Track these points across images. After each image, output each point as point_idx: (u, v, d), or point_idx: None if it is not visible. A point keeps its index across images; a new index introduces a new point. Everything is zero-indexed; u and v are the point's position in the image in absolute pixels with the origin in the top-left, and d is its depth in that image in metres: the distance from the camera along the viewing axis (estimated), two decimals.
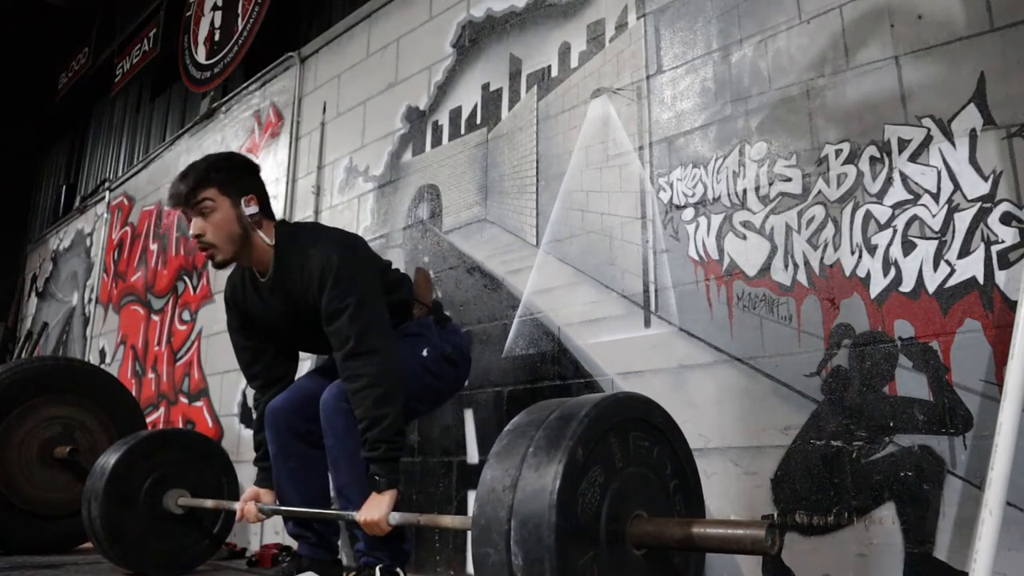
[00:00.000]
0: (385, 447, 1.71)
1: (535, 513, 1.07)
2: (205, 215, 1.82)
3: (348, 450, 1.79)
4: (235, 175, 1.87)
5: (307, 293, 1.81)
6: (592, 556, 1.12)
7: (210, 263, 1.87)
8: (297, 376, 2.13)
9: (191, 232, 1.85)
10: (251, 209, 1.84)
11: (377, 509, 1.68)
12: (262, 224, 1.87)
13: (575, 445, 1.11)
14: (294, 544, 2.08)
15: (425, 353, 1.92)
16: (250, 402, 2.35)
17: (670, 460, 1.34)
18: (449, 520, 1.64)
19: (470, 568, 2.35)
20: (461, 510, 2.42)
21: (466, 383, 2.23)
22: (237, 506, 2.07)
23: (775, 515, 1.75)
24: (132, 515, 2.32)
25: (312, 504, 1.98)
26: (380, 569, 1.80)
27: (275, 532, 3.17)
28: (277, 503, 2.00)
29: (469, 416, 2.50)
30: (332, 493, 1.88)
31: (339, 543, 2.07)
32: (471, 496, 2.41)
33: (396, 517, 1.68)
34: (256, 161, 2.01)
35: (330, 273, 1.76)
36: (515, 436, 1.19)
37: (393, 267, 2.08)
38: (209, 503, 2.33)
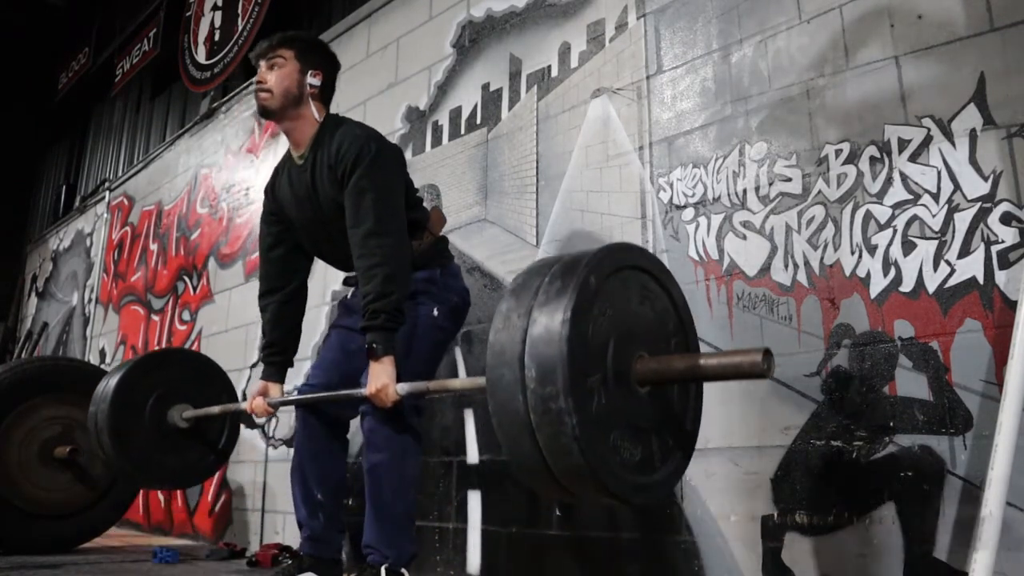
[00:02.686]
0: (385, 317, 1.77)
1: (549, 328, 1.11)
2: (274, 68, 1.99)
3: (396, 478, 1.85)
4: (313, 50, 2.06)
5: (338, 168, 1.89)
6: (599, 379, 1.17)
7: (258, 105, 2.01)
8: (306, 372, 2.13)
9: (256, 78, 2.00)
10: (313, 81, 2.01)
11: (384, 376, 1.75)
12: (316, 101, 2.02)
13: (588, 273, 1.16)
14: (294, 544, 2.08)
15: (435, 312, 1.95)
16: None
17: (671, 313, 1.39)
18: (459, 383, 1.73)
19: (470, 568, 2.35)
20: (461, 510, 2.42)
21: None
22: (244, 406, 2.13)
23: (775, 514, 1.75)
24: (138, 430, 2.33)
25: (330, 490, 2.00)
26: (385, 569, 1.80)
27: (275, 532, 3.17)
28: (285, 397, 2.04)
29: (469, 416, 2.50)
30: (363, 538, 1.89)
31: (343, 544, 2.08)
32: (471, 496, 2.41)
33: (404, 387, 1.74)
34: (338, 61, 2.14)
35: (367, 156, 1.86)
36: (530, 275, 1.23)
37: (415, 187, 2.13)
38: (215, 409, 2.35)
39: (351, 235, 1.86)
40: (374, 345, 1.76)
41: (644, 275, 1.33)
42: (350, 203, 1.86)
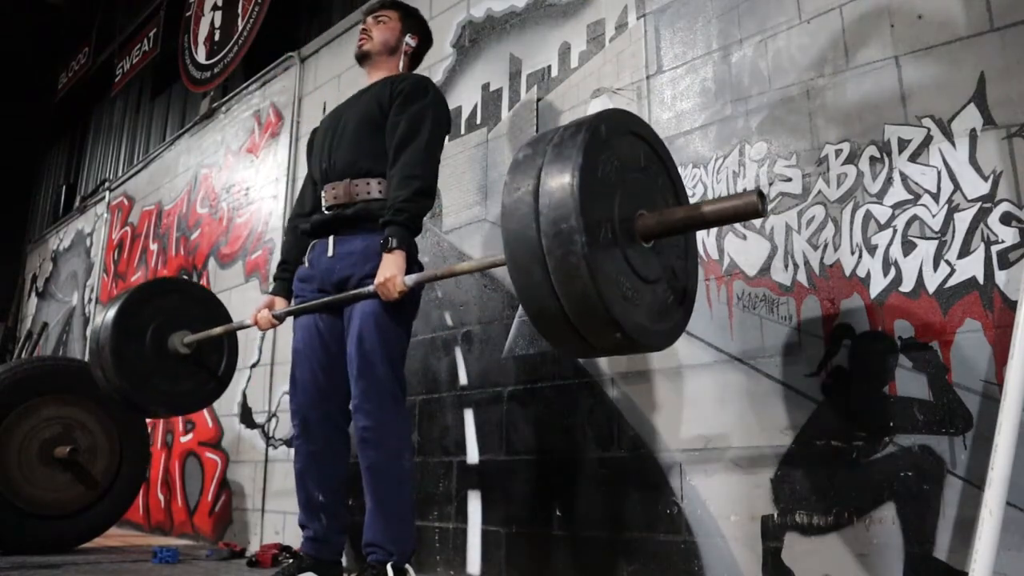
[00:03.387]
0: (407, 216, 1.89)
1: (563, 164, 1.19)
2: (379, 22, 2.21)
3: (394, 474, 1.86)
4: (415, 19, 2.28)
5: (394, 88, 2.05)
6: (607, 218, 1.24)
7: (357, 49, 2.22)
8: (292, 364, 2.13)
9: (362, 27, 2.23)
10: (410, 41, 2.23)
11: (393, 267, 1.84)
12: (407, 58, 2.23)
13: (600, 123, 1.25)
14: (294, 544, 2.08)
15: (410, 327, 2.03)
16: (250, 402, 2.35)
17: (669, 188, 1.46)
18: (468, 264, 1.79)
19: (470, 568, 2.35)
20: (461, 510, 2.42)
21: (465, 379, 2.22)
22: (248, 320, 2.20)
23: (775, 514, 1.75)
24: (139, 354, 2.36)
25: (331, 491, 2.00)
26: (391, 567, 1.80)
27: (275, 532, 3.17)
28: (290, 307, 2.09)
29: (469, 416, 2.50)
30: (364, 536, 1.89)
31: (343, 545, 2.08)
32: (471, 496, 2.41)
33: (412, 279, 1.83)
34: (432, 40, 2.34)
35: (433, 95, 2.04)
36: (545, 131, 1.32)
37: None
38: (217, 329, 2.37)
39: (398, 145, 1.96)
40: (390, 237, 1.85)
41: (646, 145, 1.41)
42: (407, 122, 1.97)
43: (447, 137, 2.13)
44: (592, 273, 1.13)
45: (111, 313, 2.36)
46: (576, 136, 1.21)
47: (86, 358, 5.20)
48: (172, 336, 2.43)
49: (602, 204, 1.22)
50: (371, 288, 1.84)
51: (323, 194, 2.07)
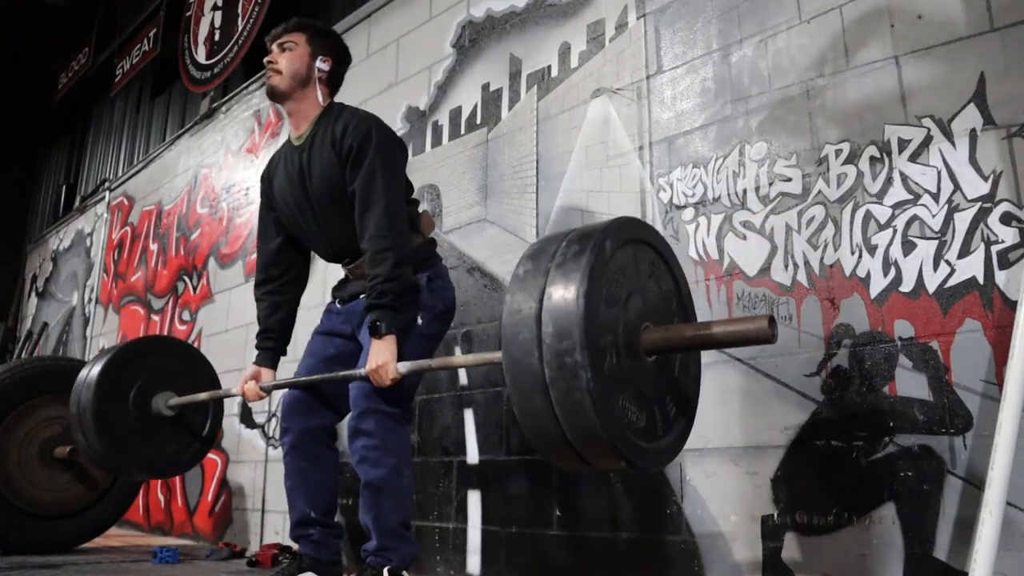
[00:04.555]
0: (392, 297, 1.81)
1: (567, 286, 1.15)
2: (285, 50, 2.04)
3: (393, 492, 1.84)
4: (326, 38, 2.10)
5: (342, 146, 1.91)
6: (612, 341, 1.21)
7: (267, 86, 2.05)
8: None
9: (267, 59, 2.04)
10: (323, 66, 2.05)
11: (385, 353, 1.76)
12: (323, 85, 2.06)
13: (605, 239, 1.22)
14: (294, 544, 2.08)
15: (420, 321, 1.94)
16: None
17: (676, 297, 1.44)
18: (462, 359, 1.77)
19: (470, 568, 2.35)
20: (461, 510, 2.42)
21: (465, 379, 2.22)
22: (235, 390, 2.12)
23: (775, 514, 1.75)
24: (121, 417, 2.30)
25: (321, 507, 1.99)
26: (388, 570, 1.80)
27: (275, 532, 3.17)
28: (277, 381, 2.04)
29: (469, 416, 2.50)
30: (367, 542, 1.88)
31: (341, 545, 2.08)
32: (471, 496, 2.41)
33: (405, 366, 1.74)
34: (350, 55, 2.18)
35: (374, 139, 1.90)
36: (546, 242, 1.28)
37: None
38: (202, 396, 2.32)
39: (361, 217, 1.88)
40: (378, 323, 1.78)
41: (652, 252, 1.38)
42: (361, 186, 1.88)
43: (406, 161, 2.04)
44: (597, 408, 1.11)
45: (93, 374, 2.30)
46: (580, 257, 1.18)
47: (86, 358, 5.22)
48: (156, 397, 2.36)
49: (607, 326, 1.20)
50: (363, 372, 1.78)
51: (344, 271, 2.08)
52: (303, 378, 1.97)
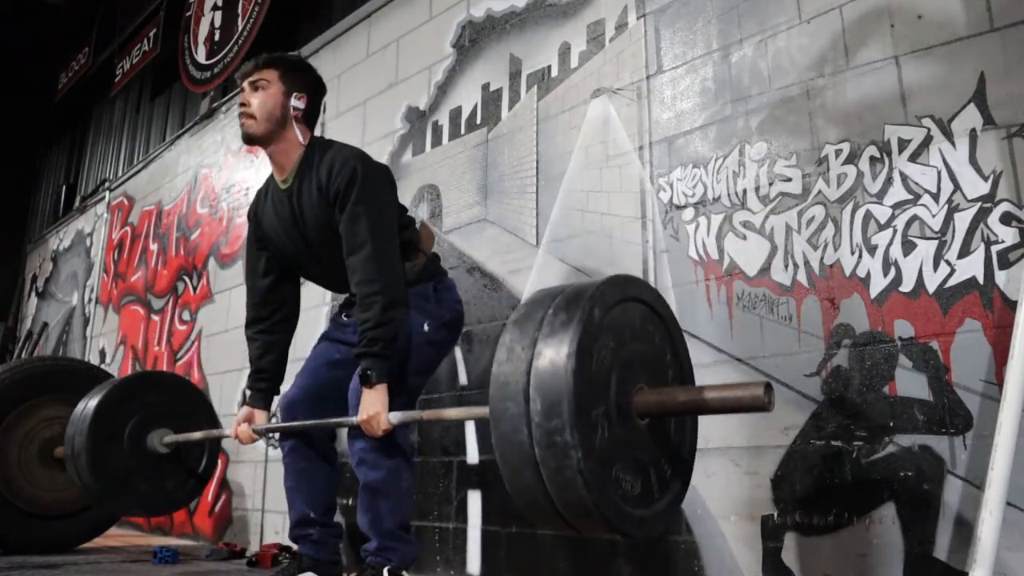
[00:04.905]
0: (382, 345, 1.76)
1: (555, 361, 1.12)
2: (257, 89, 1.95)
3: (392, 494, 1.83)
4: (298, 72, 2.01)
5: (327, 191, 1.86)
6: (603, 412, 1.17)
7: (242, 132, 1.96)
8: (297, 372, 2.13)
9: (239, 100, 1.97)
10: (297, 104, 1.96)
11: (376, 403, 1.73)
12: (301, 123, 1.97)
13: (592, 306, 1.17)
14: (294, 544, 2.08)
15: (426, 327, 1.92)
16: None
17: (670, 348, 1.40)
18: (454, 412, 1.72)
19: (470, 568, 2.35)
20: (461, 510, 2.42)
21: (465, 379, 2.23)
22: (228, 431, 2.09)
23: (775, 514, 1.75)
24: (116, 454, 2.28)
25: (321, 506, 1.99)
26: (388, 570, 1.80)
27: (275, 532, 3.17)
28: (273, 421, 2.03)
29: None
30: (368, 541, 1.87)
31: (340, 545, 2.08)
32: (471, 496, 2.41)
33: (397, 416, 1.72)
34: (324, 85, 2.10)
35: (357, 178, 1.84)
36: (533, 305, 1.24)
37: (404, 207, 2.09)
38: (197, 435, 2.31)
39: (348, 261, 1.83)
40: (368, 372, 1.74)
41: (643, 306, 1.33)
42: (346, 230, 1.84)
43: (395, 201, 1.98)
44: (589, 486, 1.08)
45: (88, 412, 2.29)
46: (568, 327, 1.13)
47: (86, 358, 5.22)
48: (152, 434, 2.35)
49: (597, 396, 1.16)
50: (355, 421, 1.75)
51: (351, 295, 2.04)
52: (296, 423, 1.95)
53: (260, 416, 2.07)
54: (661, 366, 1.36)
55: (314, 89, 2.03)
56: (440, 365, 2.62)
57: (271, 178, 2.04)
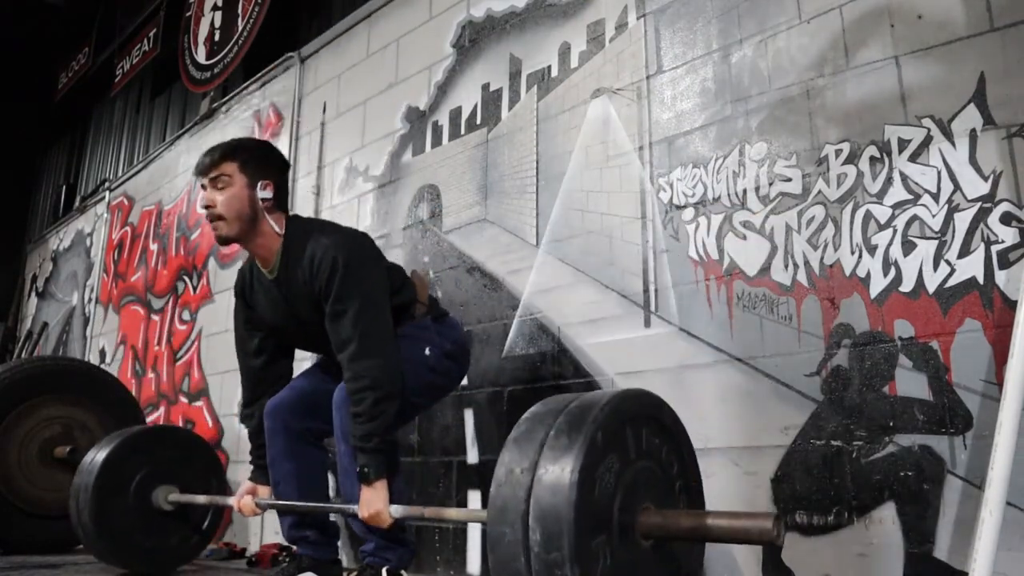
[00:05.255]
0: (377, 440, 1.73)
1: (555, 489, 1.09)
2: (219, 188, 1.86)
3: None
4: (258, 159, 1.91)
5: (312, 285, 1.82)
6: (605, 540, 1.14)
7: (215, 235, 1.89)
8: (295, 375, 2.13)
9: (201, 203, 1.89)
10: (265, 194, 1.87)
11: (377, 501, 1.70)
12: (273, 212, 1.89)
13: (595, 430, 1.14)
14: (293, 545, 2.08)
15: (427, 352, 1.92)
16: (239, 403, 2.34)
17: (677, 459, 1.37)
18: (455, 512, 1.67)
19: (470, 568, 2.35)
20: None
21: (465, 379, 2.23)
22: (232, 501, 2.08)
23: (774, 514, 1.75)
24: (121, 510, 2.28)
25: (314, 511, 1.98)
26: (387, 571, 1.80)
27: (275, 532, 3.17)
28: (273, 499, 1.99)
29: (469, 416, 2.50)
30: (336, 498, 1.86)
31: (339, 544, 2.07)
32: (471, 496, 2.41)
33: (398, 510, 1.70)
34: (287, 161, 2.03)
35: (338, 270, 1.78)
36: (534, 423, 1.21)
37: (397, 267, 2.07)
38: (201, 499, 2.30)
39: (338, 357, 1.80)
40: (366, 469, 1.71)
41: (649, 421, 1.31)
42: (331, 326, 1.80)
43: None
44: None
45: (94, 468, 2.28)
46: (570, 451, 1.11)
47: (86, 358, 5.22)
48: (157, 490, 2.33)
49: (600, 522, 1.14)
50: (355, 511, 1.73)
51: None
52: (297, 503, 1.93)
53: (263, 491, 2.04)
54: (668, 481, 1.33)
55: (278, 170, 1.94)
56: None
57: (254, 266, 1.99)
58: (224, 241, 1.89)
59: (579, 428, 1.14)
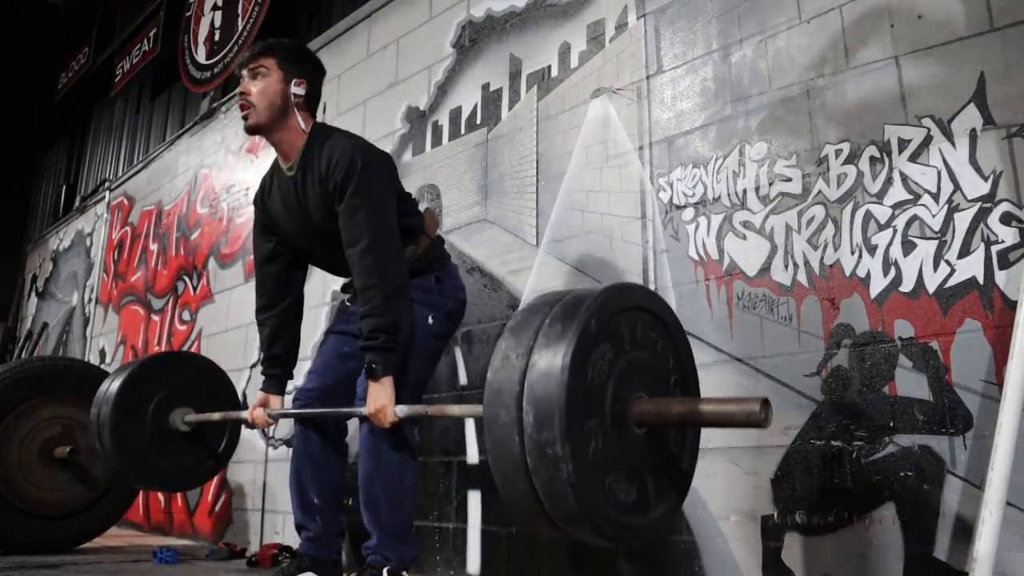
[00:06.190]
0: (384, 337, 1.77)
1: (548, 373, 1.12)
2: (256, 77, 1.95)
3: (393, 489, 1.84)
4: (296, 58, 2.01)
5: (328, 184, 1.87)
6: (597, 423, 1.17)
7: (245, 124, 1.97)
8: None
9: (238, 90, 1.97)
10: (297, 91, 1.96)
11: (383, 396, 1.75)
12: (303, 110, 1.98)
13: (589, 318, 1.16)
14: (294, 544, 2.09)
15: (431, 320, 1.94)
16: (250, 402, 2.35)
17: (672, 355, 1.39)
18: (457, 409, 1.76)
19: (470, 568, 2.35)
20: (461, 510, 2.42)
21: (465, 379, 2.25)
22: (245, 414, 2.14)
23: (775, 514, 1.75)
24: (138, 431, 2.33)
25: (326, 493, 2.00)
26: (388, 571, 1.80)
27: (275, 532, 3.17)
28: (286, 409, 2.06)
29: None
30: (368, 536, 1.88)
31: (343, 544, 2.08)
32: (471, 496, 2.41)
33: (403, 410, 1.74)
34: (323, 67, 2.11)
35: (355, 171, 1.84)
36: (530, 313, 1.23)
37: (409, 194, 2.11)
38: (216, 416, 2.35)
39: (348, 253, 1.85)
40: (373, 365, 1.76)
41: (644, 314, 1.33)
42: (344, 222, 1.85)
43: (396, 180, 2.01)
44: (579, 498, 1.09)
45: (113, 388, 2.33)
46: (562, 338, 1.13)
47: (86, 358, 5.22)
48: (174, 412, 2.39)
49: (592, 407, 1.16)
50: (364, 411, 1.78)
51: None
52: (307, 410, 1.99)
53: (275, 401, 2.12)
54: (663, 373, 1.35)
55: (313, 74, 2.03)
56: (441, 366, 2.62)
57: (276, 164, 2.06)
58: (252, 129, 1.96)
59: (573, 316, 1.16)
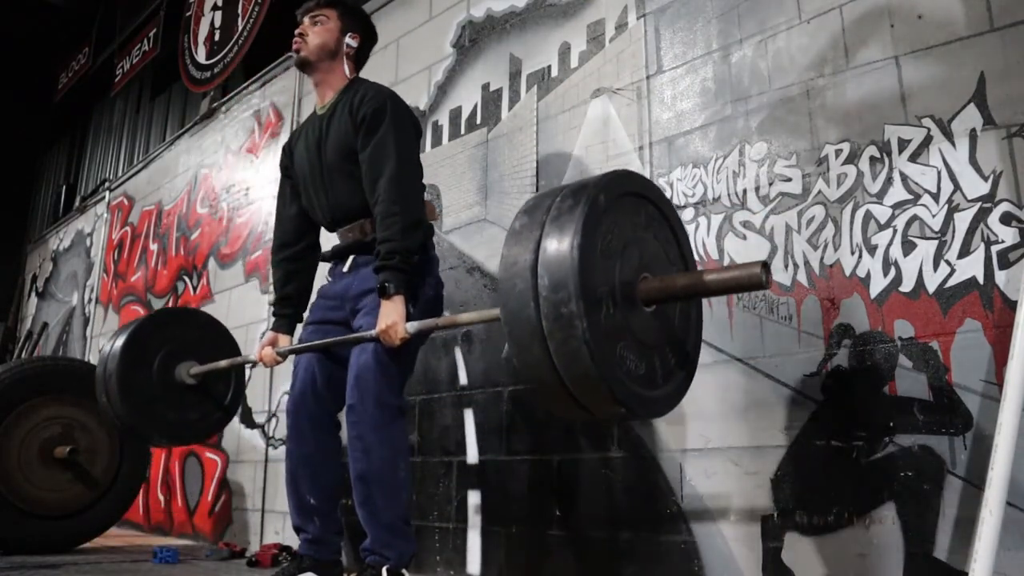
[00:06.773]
0: (400, 258, 1.83)
1: (561, 239, 1.17)
2: (316, 24, 2.10)
3: (387, 484, 1.84)
4: (355, 16, 2.18)
5: (358, 113, 1.96)
6: (608, 291, 1.22)
7: (294, 56, 2.11)
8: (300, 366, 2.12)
9: (297, 31, 2.09)
10: (351, 42, 2.13)
11: (394, 313, 1.79)
12: (351, 60, 2.14)
13: (598, 192, 1.23)
14: (294, 544, 2.08)
15: (411, 309, 1.93)
16: (250, 402, 2.35)
17: (675, 243, 1.45)
18: (467, 316, 1.82)
19: (470, 568, 2.35)
20: (461, 510, 2.42)
21: (465, 379, 2.23)
22: (253, 356, 2.19)
23: (775, 514, 1.75)
24: (145, 383, 2.35)
25: (323, 494, 1.99)
26: (387, 570, 1.80)
27: (275, 532, 3.17)
28: (293, 345, 2.08)
29: (469, 416, 2.50)
30: (365, 539, 1.88)
31: (341, 544, 2.07)
32: (471, 496, 2.41)
33: (413, 326, 1.78)
34: (377, 35, 2.27)
35: (387, 106, 1.95)
36: (541, 198, 1.29)
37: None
38: (223, 363, 2.38)
39: (372, 185, 1.91)
40: (386, 284, 1.81)
41: (646, 203, 1.39)
42: (372, 153, 1.92)
43: (419, 140, 2.07)
44: (594, 356, 1.13)
45: (120, 342, 2.36)
46: (574, 210, 1.19)
47: (86, 358, 5.22)
48: (179, 366, 2.42)
49: (603, 276, 1.21)
50: (373, 333, 1.80)
51: (338, 236, 2.08)
52: (317, 342, 2.01)
53: (283, 340, 2.16)
54: (666, 262, 1.40)
55: (367, 34, 2.20)
56: (440, 366, 2.62)
57: (312, 112, 2.17)
58: (302, 63, 2.10)
59: (583, 191, 1.22)
